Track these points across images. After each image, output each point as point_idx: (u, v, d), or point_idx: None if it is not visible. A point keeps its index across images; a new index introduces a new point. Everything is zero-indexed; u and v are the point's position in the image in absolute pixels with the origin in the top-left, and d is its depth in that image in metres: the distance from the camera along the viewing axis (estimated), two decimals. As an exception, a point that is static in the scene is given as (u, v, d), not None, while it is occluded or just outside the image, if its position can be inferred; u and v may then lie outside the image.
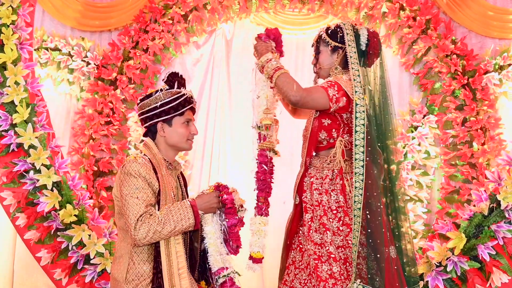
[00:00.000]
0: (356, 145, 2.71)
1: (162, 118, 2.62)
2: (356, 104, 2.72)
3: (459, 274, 3.49)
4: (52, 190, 3.60)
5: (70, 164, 4.17)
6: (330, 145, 2.84)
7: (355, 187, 2.68)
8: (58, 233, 3.64)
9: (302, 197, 2.84)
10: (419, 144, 4.44)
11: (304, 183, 2.87)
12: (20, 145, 3.61)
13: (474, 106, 4.28)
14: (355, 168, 2.70)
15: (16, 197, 3.59)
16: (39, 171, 3.60)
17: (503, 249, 3.50)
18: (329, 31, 2.91)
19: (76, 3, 4.66)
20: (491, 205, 3.55)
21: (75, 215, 3.64)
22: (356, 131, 2.71)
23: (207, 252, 2.60)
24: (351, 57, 2.80)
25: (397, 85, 4.66)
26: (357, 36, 2.86)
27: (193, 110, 2.72)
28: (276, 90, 2.86)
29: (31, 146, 3.60)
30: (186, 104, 2.65)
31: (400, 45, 4.59)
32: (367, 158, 2.71)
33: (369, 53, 2.87)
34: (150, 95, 2.65)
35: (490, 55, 4.43)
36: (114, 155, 4.50)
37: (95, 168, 4.40)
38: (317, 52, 2.97)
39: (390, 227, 2.80)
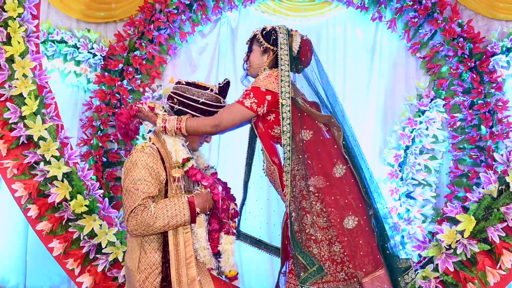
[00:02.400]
0: (284, 145, 2.77)
1: (193, 113, 2.71)
2: (282, 105, 2.78)
3: (469, 256, 3.51)
4: (62, 181, 3.65)
5: (79, 155, 4.21)
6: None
7: (287, 185, 2.74)
8: (70, 223, 3.69)
9: (284, 192, 2.84)
10: (426, 129, 4.45)
11: (284, 179, 2.86)
12: (29, 137, 3.66)
13: (482, 89, 4.27)
14: (285, 166, 2.76)
15: (27, 189, 3.64)
16: (49, 163, 3.65)
17: (513, 231, 3.53)
18: (264, 32, 2.95)
19: (81, -5, 4.71)
20: (500, 187, 3.56)
21: (85, 205, 3.69)
22: (283, 131, 2.78)
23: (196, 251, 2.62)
24: (281, 58, 2.84)
25: (404, 70, 4.67)
26: (290, 41, 2.90)
27: None
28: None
29: (41, 138, 3.65)
30: None
31: (406, 29, 4.58)
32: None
33: (300, 59, 2.93)
34: (199, 86, 2.74)
35: (497, 38, 4.41)
36: (122, 145, 4.54)
37: (104, 159, 4.44)
38: (250, 51, 3.01)
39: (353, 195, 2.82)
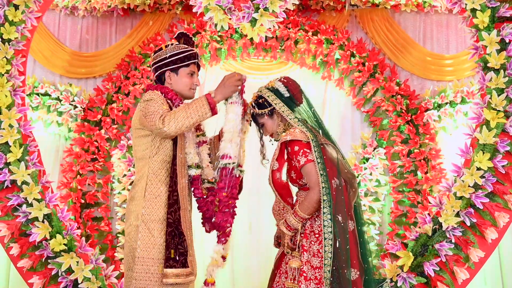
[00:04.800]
0: (323, 187, 2.67)
1: (170, 67, 2.77)
2: (315, 151, 2.71)
3: (408, 289, 3.57)
4: (43, 221, 3.58)
5: (59, 198, 4.19)
6: None
7: (323, 213, 2.65)
8: (49, 260, 3.61)
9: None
10: (370, 174, 4.56)
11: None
12: (13, 182, 3.59)
13: (417, 140, 4.43)
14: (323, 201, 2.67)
15: (10, 229, 3.57)
16: (31, 205, 3.58)
17: (446, 265, 3.50)
18: (256, 104, 2.86)
19: (64, 53, 4.76)
20: (434, 227, 3.59)
21: (64, 244, 3.61)
22: (321, 175, 2.68)
23: (222, 137, 2.74)
24: (283, 111, 2.79)
25: (350, 122, 4.78)
26: (276, 91, 2.83)
27: (198, 66, 2.86)
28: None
29: (24, 182, 3.59)
30: (191, 58, 2.80)
31: (351, 87, 4.71)
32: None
33: (294, 95, 2.85)
34: (161, 49, 2.81)
35: (429, 95, 4.60)
36: (99, 188, 4.55)
37: (82, 201, 4.44)
38: (261, 126, 2.92)
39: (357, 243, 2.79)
